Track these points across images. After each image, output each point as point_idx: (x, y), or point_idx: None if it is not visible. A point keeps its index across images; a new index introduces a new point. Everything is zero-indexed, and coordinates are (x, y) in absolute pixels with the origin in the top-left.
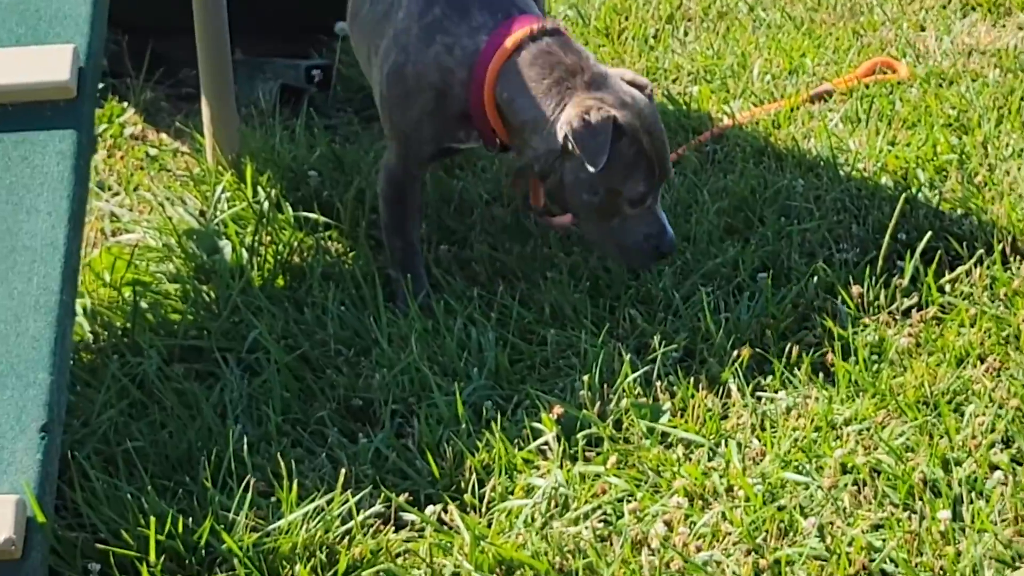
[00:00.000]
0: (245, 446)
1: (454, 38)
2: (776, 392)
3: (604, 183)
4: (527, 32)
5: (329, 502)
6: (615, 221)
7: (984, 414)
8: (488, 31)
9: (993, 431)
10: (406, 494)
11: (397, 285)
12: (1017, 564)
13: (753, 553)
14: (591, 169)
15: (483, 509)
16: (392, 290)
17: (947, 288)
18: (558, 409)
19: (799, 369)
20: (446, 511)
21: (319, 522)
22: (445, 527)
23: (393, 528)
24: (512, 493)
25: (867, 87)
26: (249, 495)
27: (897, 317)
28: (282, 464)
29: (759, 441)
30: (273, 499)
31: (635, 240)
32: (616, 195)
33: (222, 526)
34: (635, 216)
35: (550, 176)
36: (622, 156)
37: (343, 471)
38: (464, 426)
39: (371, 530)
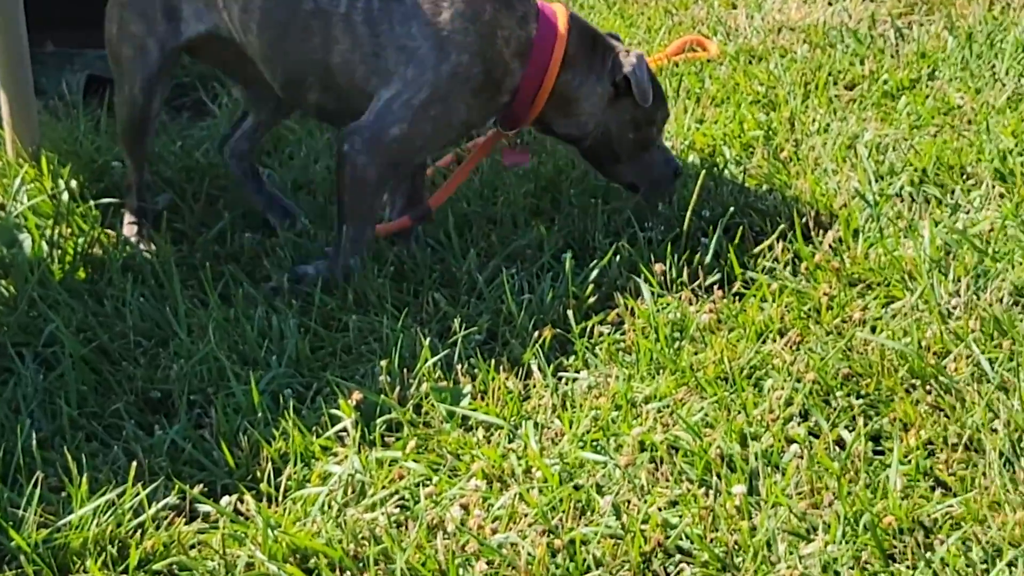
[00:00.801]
0: (34, 442)
1: (509, 31)
2: (578, 372)
3: (647, 116)
4: (567, 15)
5: (121, 495)
6: (647, 155)
7: (782, 388)
8: (532, 19)
9: (791, 405)
10: (201, 485)
11: (340, 270)
12: (811, 536)
13: (549, 533)
14: (645, 104)
15: (279, 498)
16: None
17: (749, 264)
18: (357, 395)
19: (600, 348)
20: (242, 501)
21: (110, 516)
22: (241, 517)
23: (187, 520)
24: (309, 481)
25: (677, 65)
26: (38, 491)
27: (700, 294)
28: (71, 459)
29: (560, 421)
30: (64, 494)
31: (660, 168)
32: (651, 125)
33: (10, 523)
34: (657, 147)
35: (592, 133)
36: (654, 88)
37: (135, 463)
38: (261, 415)
39: (165, 523)
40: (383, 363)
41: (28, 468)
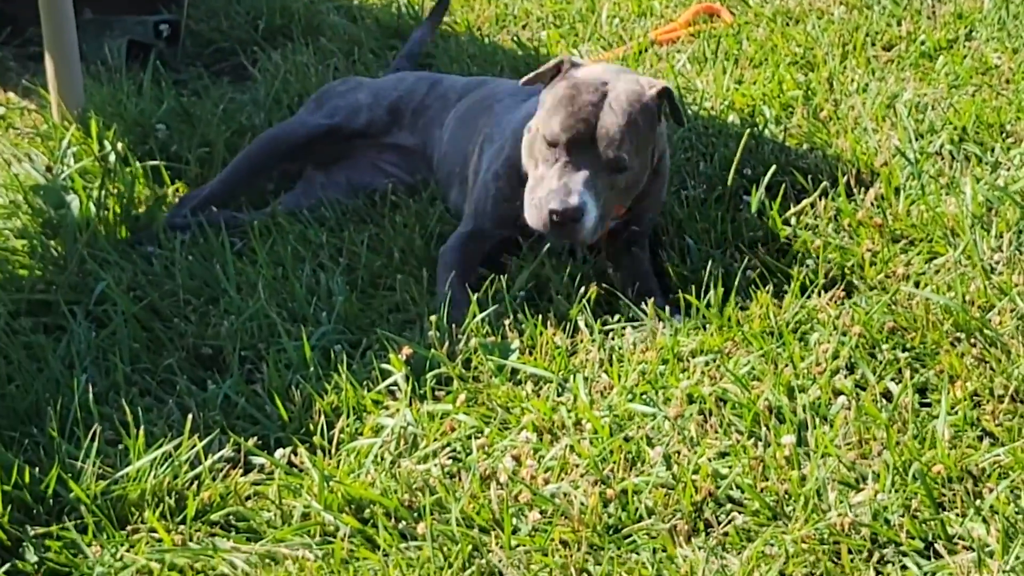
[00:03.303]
0: (91, 396)
1: None
2: (624, 328)
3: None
4: None
5: (177, 448)
6: None
7: (828, 342)
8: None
9: (837, 358)
10: (255, 438)
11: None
12: (860, 486)
13: (600, 484)
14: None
15: (332, 451)
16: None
17: (792, 221)
18: (407, 350)
19: (646, 304)
20: (296, 454)
21: (167, 468)
22: (295, 469)
23: (242, 472)
24: (361, 434)
25: (695, 36)
26: (96, 444)
27: (744, 250)
28: (128, 413)
29: (607, 375)
30: (120, 447)
31: None
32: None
33: (69, 475)
34: None
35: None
36: None
37: (191, 417)
38: (313, 370)
39: (220, 475)
40: (432, 319)
41: (85, 422)
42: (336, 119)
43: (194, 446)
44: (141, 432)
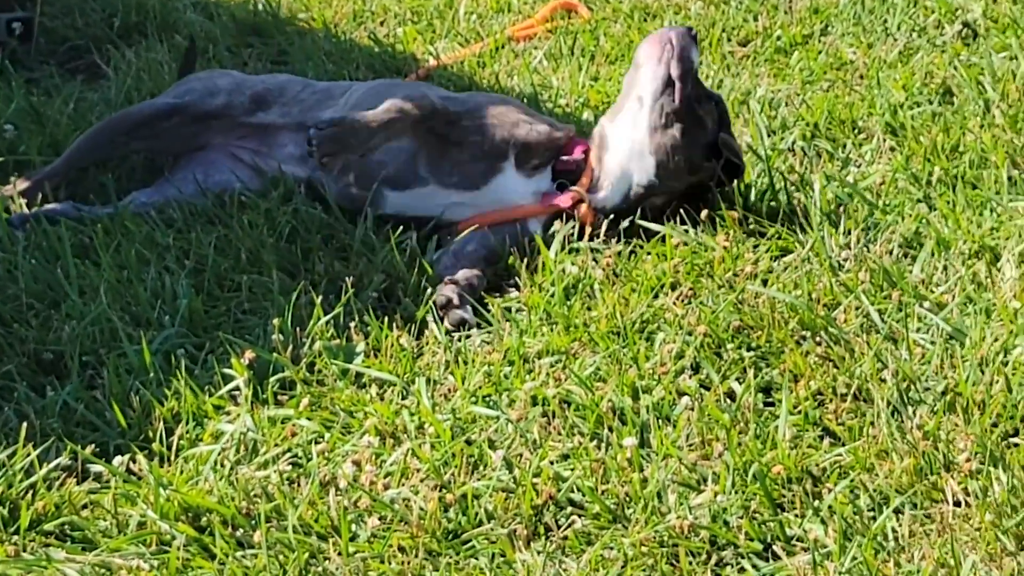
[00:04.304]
0: None
1: None
2: (470, 329)
3: None
4: None
5: (11, 456)
6: None
7: (674, 342)
8: None
9: (682, 358)
10: (93, 446)
11: None
12: (701, 487)
13: (441, 488)
14: None
15: (171, 457)
16: None
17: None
18: (249, 354)
19: (493, 305)
20: (134, 461)
21: (1, 477)
22: (133, 477)
23: (79, 480)
24: (201, 440)
25: (552, 32)
26: None
27: (597, 250)
28: None
29: (452, 377)
30: None
31: None
32: None
33: None
34: None
35: None
36: None
37: (26, 424)
38: (153, 375)
39: (57, 484)
40: (275, 322)
41: None
42: (187, 99)
43: (29, 454)
44: None
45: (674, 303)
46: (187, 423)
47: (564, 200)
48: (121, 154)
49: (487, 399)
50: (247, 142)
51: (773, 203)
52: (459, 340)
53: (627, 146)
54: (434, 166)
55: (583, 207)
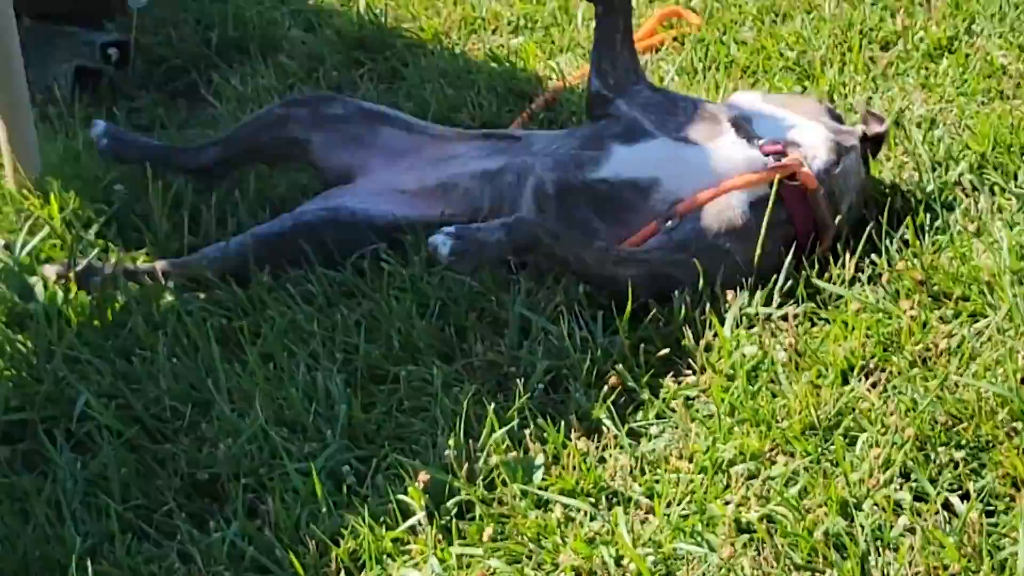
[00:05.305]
0: (89, 565)
1: None
2: (648, 425)
3: None
4: None
5: None
6: None
7: (878, 444)
8: None
9: (890, 465)
10: None
11: None
12: None
13: None
14: None
15: None
16: None
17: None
18: (424, 476)
19: (666, 393)
20: None
21: None
22: None
23: None
24: None
25: (660, 45)
26: None
27: (774, 322)
28: None
29: (640, 488)
30: None
31: None
32: None
33: None
34: None
35: None
36: None
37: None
38: (324, 508)
39: None
40: (450, 441)
41: None
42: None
43: None
44: None
45: (868, 390)
46: (371, 568)
47: (783, 164)
48: None
49: (690, 531)
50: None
51: (953, 256)
52: (642, 443)
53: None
54: (661, 123)
55: (804, 171)
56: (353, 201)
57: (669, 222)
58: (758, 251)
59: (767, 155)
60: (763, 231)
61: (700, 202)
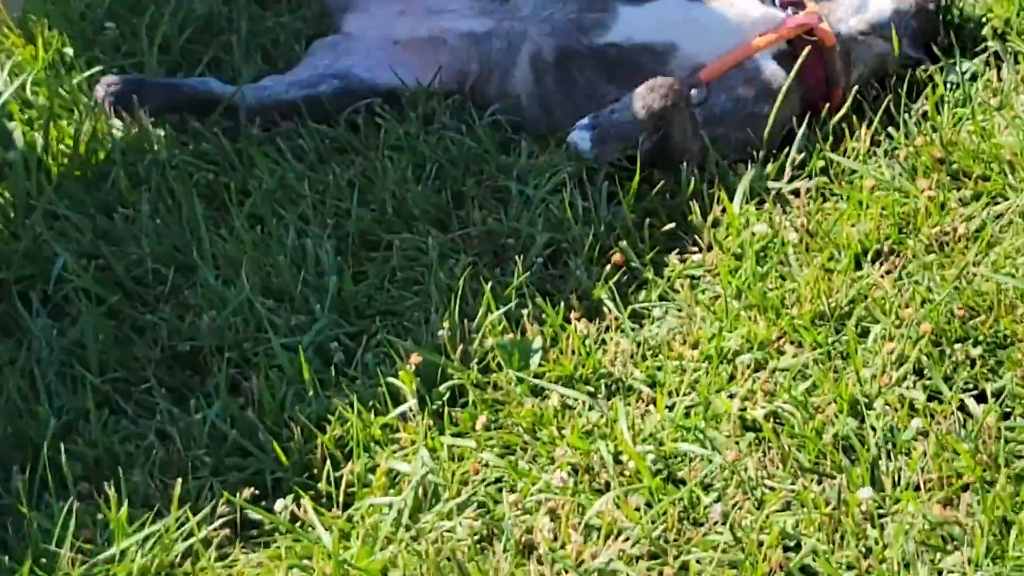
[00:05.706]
0: (63, 451)
1: None
2: (652, 307)
3: None
4: None
5: (164, 516)
6: None
7: (892, 338)
8: None
9: (904, 362)
10: (251, 489)
11: None
12: (948, 548)
13: (654, 557)
14: None
15: (340, 499)
16: None
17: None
18: (415, 358)
19: (669, 273)
20: (298, 504)
21: (156, 547)
22: (299, 529)
23: (235, 531)
24: (372, 473)
25: None
26: (72, 520)
27: (785, 198)
28: (112, 491)
29: (641, 375)
30: (100, 517)
31: None
32: None
33: (42, 559)
34: None
35: None
36: None
37: (175, 456)
38: (311, 391)
39: (215, 544)
40: (445, 324)
41: (52, 463)
42: None
43: (185, 519)
44: (124, 507)
45: (881, 277)
46: (358, 457)
47: (800, 19)
48: None
49: (693, 428)
50: None
51: (973, 131)
52: (645, 326)
53: None
54: None
55: (823, 25)
56: (361, 67)
57: (695, 91)
58: (774, 112)
59: (785, 7)
60: (784, 89)
61: (725, 67)
